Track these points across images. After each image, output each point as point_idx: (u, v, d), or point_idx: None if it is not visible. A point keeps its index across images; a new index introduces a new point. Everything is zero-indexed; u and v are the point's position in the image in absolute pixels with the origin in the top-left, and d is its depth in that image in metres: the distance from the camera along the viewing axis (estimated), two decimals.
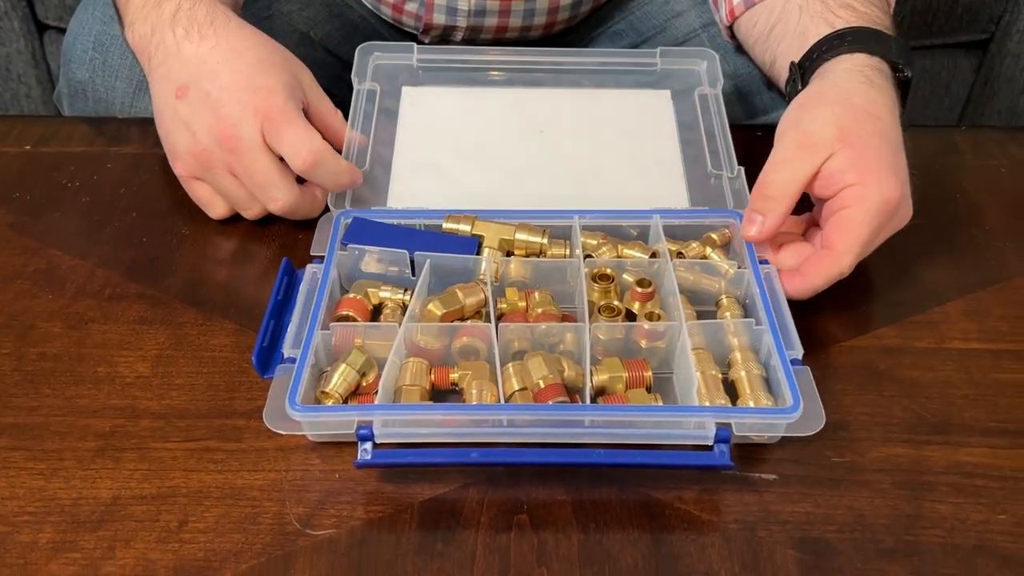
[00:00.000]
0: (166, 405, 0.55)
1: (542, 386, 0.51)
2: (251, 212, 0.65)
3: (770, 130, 0.63)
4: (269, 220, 0.66)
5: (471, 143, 0.71)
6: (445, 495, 0.50)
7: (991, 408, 0.54)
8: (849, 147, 0.57)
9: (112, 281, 0.63)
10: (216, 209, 0.66)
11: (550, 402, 0.50)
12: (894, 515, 0.49)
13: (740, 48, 0.80)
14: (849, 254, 0.56)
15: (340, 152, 0.66)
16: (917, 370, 0.57)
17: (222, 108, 0.60)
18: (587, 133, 0.71)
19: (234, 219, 0.67)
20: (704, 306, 0.60)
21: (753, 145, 0.76)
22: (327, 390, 0.52)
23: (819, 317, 0.60)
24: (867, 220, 0.56)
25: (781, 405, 0.51)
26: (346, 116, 0.70)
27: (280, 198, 0.62)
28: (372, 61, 0.76)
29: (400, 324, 0.55)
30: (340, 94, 0.94)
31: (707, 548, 0.47)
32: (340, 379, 0.52)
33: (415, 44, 0.76)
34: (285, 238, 0.67)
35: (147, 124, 0.70)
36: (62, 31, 1.10)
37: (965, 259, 0.65)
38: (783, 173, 0.58)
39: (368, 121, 0.71)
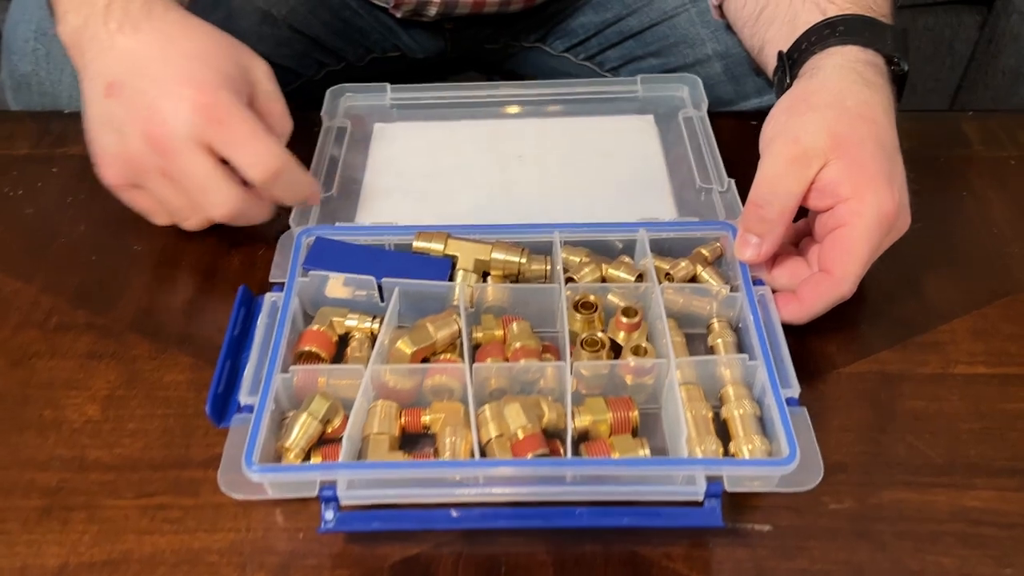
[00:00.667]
0: (117, 455, 0.51)
1: (520, 437, 0.47)
2: (191, 223, 0.59)
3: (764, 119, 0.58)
4: (227, 234, 0.62)
5: (446, 168, 0.67)
6: (418, 556, 0.46)
7: (999, 443, 0.51)
8: (842, 156, 0.53)
9: (59, 308, 0.59)
10: (159, 217, 0.60)
11: (529, 455, 0.47)
12: (895, 571, 0.46)
13: (731, 27, 0.75)
14: (849, 278, 0.52)
15: None
16: (921, 400, 0.53)
17: (154, 105, 0.54)
18: (568, 156, 0.67)
19: (189, 238, 0.63)
20: (694, 328, 0.56)
21: (747, 137, 0.71)
22: (287, 444, 0.48)
23: (816, 338, 0.56)
24: (865, 238, 0.52)
25: (776, 453, 0.47)
26: (312, 152, 0.65)
27: (222, 204, 0.56)
28: (343, 103, 0.72)
29: (367, 364, 0.51)
30: (308, 73, 0.88)
31: None
32: (301, 432, 0.48)
33: (388, 84, 0.72)
34: (244, 254, 0.62)
35: None
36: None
37: (972, 268, 0.61)
38: (777, 191, 0.53)
39: (337, 154, 0.67)
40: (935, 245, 0.62)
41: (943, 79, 1.29)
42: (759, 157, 0.58)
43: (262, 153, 0.54)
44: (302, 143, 0.67)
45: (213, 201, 0.56)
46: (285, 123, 0.59)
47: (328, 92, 0.71)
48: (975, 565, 0.46)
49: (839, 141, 0.53)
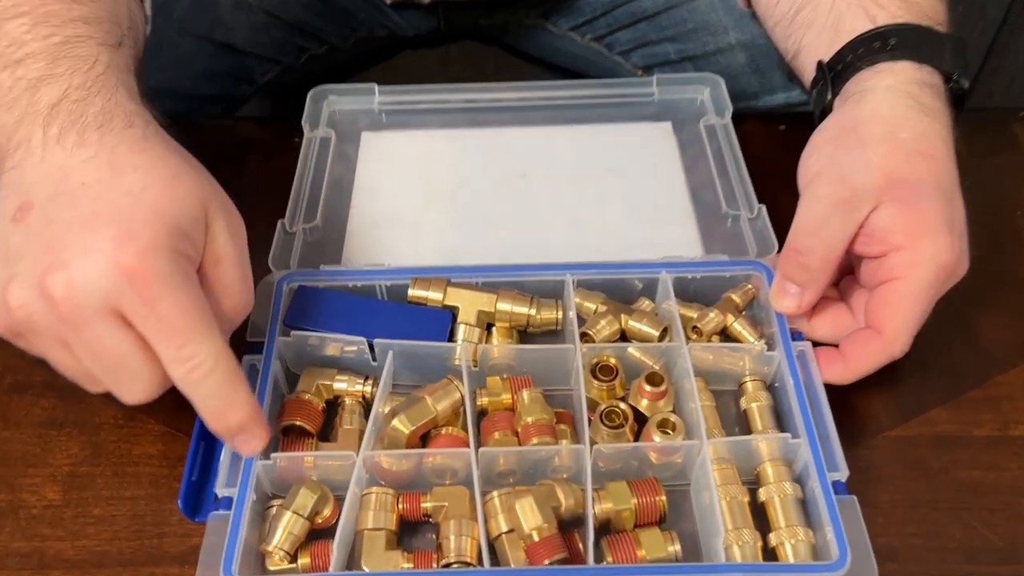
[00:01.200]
0: (81, 548, 0.45)
1: (535, 539, 0.42)
2: (94, 389, 0.44)
3: (796, 119, 0.51)
4: None
5: (442, 190, 0.60)
6: None
7: None
8: (897, 200, 0.46)
9: (12, 364, 0.53)
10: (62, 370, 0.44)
11: (546, 563, 0.41)
12: None
13: (758, 19, 0.67)
14: (902, 338, 0.47)
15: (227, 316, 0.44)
16: (978, 469, 0.48)
17: (65, 251, 0.39)
18: (576, 174, 0.60)
19: None
20: (724, 385, 0.50)
21: (776, 145, 0.64)
22: (270, 547, 0.42)
23: (858, 395, 0.50)
24: (921, 294, 0.46)
25: (822, 551, 0.42)
26: (293, 165, 0.58)
27: (139, 391, 0.41)
28: (326, 107, 0.64)
29: (359, 439, 0.46)
30: (287, 60, 0.80)
31: None
32: (284, 533, 0.42)
33: (376, 85, 0.64)
34: None
35: None
36: None
37: None
38: (822, 239, 0.47)
39: (320, 174, 0.59)
40: (985, 277, 0.56)
41: (973, 44, 1.20)
42: (791, 173, 0.51)
43: (189, 348, 0.39)
44: (282, 158, 0.61)
45: (127, 386, 0.42)
46: (240, 299, 0.44)
47: (309, 96, 0.64)
48: None
49: (893, 181, 0.46)
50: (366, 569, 0.42)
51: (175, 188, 0.41)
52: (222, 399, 0.41)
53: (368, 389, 0.49)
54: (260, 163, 0.64)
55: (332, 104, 0.65)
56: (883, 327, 0.47)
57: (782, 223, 0.51)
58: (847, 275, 0.52)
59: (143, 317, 0.39)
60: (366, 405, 0.49)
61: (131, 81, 0.45)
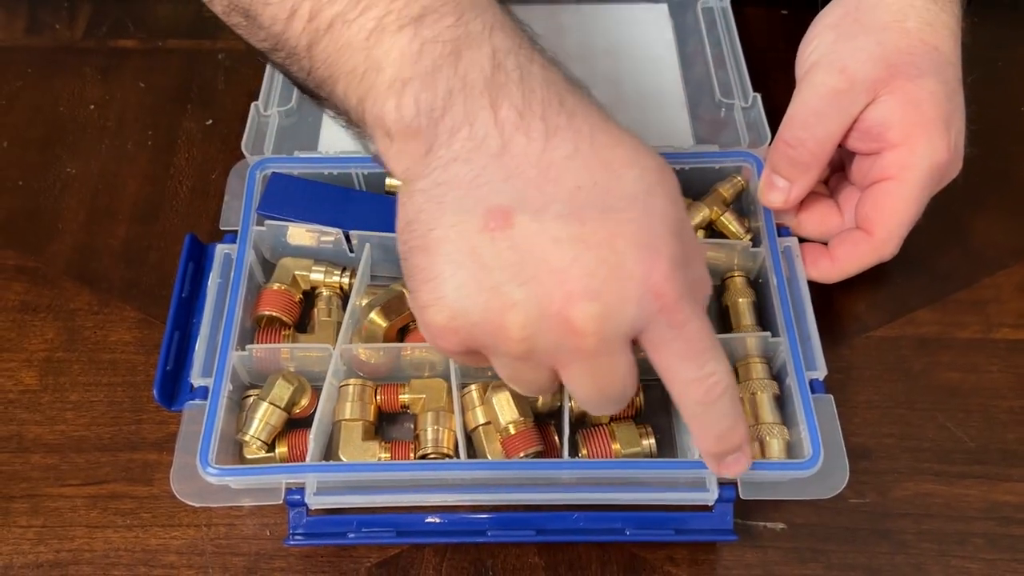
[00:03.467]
0: (60, 432, 0.46)
1: (511, 432, 0.42)
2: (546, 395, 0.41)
3: (798, 4, 0.48)
4: (173, 155, 0.54)
5: None
6: (397, 558, 0.42)
7: None
8: (896, 93, 0.44)
9: None
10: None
11: (521, 454, 0.42)
12: None
13: None
14: (892, 240, 0.46)
15: None
16: (958, 371, 0.48)
17: (588, 277, 0.31)
18: (570, 55, 0.56)
19: (131, 159, 0.54)
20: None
21: (777, 34, 0.62)
22: (247, 436, 0.42)
23: (843, 294, 0.50)
24: (913, 197, 0.45)
25: (796, 449, 0.42)
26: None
27: (615, 410, 0.37)
28: None
29: (336, 331, 0.45)
30: None
31: None
32: (261, 423, 0.42)
33: None
34: (195, 179, 0.54)
35: None
36: None
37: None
38: (814, 132, 0.45)
39: None
40: (985, 178, 0.54)
41: None
42: (790, 61, 0.49)
43: (711, 366, 0.34)
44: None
45: (614, 408, 0.36)
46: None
47: None
48: (1004, 572, 0.42)
49: (894, 73, 0.44)
50: (343, 459, 0.43)
51: (666, 183, 0.34)
52: (733, 417, 0.36)
53: (346, 281, 0.48)
54: (234, 40, 0.61)
55: None
56: (873, 229, 0.46)
57: (778, 113, 0.49)
58: (838, 172, 0.51)
59: (669, 341, 0.33)
60: (344, 297, 0.48)
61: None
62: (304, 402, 0.44)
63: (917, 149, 0.44)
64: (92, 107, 0.57)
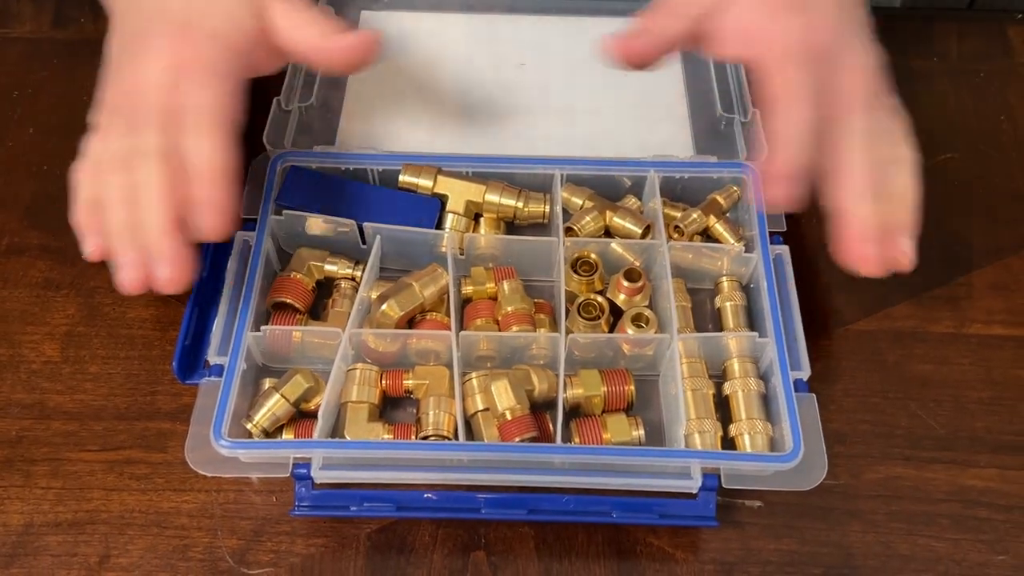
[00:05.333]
0: (79, 402, 0.48)
1: (508, 418, 0.44)
2: (124, 259, 0.43)
3: None
4: None
5: (439, 76, 0.59)
6: (395, 527, 0.45)
7: (1008, 416, 0.49)
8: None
9: (9, 227, 0.54)
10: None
11: (516, 439, 0.44)
12: (886, 555, 0.45)
13: None
14: (791, 143, 0.43)
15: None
16: (930, 363, 0.50)
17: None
18: (574, 67, 0.59)
19: None
20: (702, 284, 0.52)
21: None
22: (249, 425, 0.45)
23: (824, 289, 0.52)
24: (789, 80, 0.43)
25: (778, 443, 0.45)
26: None
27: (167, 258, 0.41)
28: None
29: (347, 322, 0.47)
30: None
31: None
32: (268, 413, 0.45)
33: None
34: None
35: None
36: None
37: (999, 212, 0.56)
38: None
39: None
40: (962, 180, 0.57)
41: None
42: None
43: (206, 150, 0.42)
44: None
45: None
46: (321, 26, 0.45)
47: None
48: (967, 551, 0.45)
49: None
50: (348, 438, 0.45)
51: None
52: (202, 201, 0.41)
53: (358, 273, 0.50)
54: None
55: None
56: (776, 135, 0.43)
57: None
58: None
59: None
60: (357, 288, 0.51)
61: None
62: (315, 401, 0.46)
63: (774, 32, 0.43)
64: None
